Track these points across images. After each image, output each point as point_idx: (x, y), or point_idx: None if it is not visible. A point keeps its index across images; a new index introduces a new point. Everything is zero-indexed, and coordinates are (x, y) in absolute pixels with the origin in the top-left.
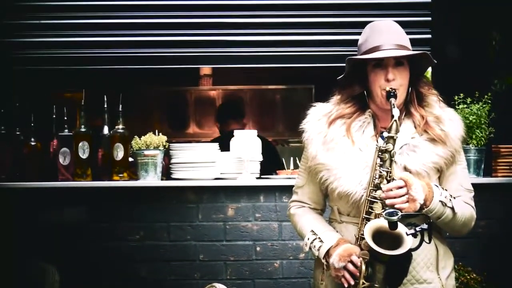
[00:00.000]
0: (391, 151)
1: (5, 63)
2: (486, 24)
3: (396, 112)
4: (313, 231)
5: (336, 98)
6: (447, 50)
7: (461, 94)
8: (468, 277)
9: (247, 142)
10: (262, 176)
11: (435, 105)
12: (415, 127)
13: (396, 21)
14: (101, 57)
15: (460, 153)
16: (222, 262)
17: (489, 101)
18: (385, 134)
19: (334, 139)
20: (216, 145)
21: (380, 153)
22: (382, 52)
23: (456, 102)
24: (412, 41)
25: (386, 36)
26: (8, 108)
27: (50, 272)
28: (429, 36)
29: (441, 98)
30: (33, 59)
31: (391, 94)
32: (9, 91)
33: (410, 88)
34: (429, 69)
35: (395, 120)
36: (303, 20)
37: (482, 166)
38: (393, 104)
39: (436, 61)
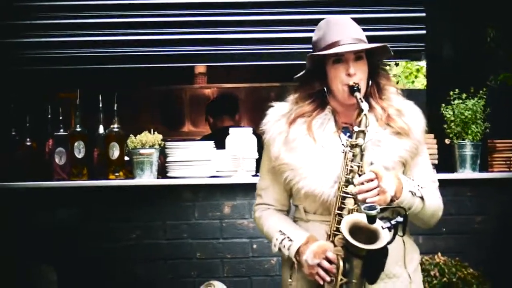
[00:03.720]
0: (361, 145)
1: (0, 63)
2: (481, 19)
3: (365, 106)
4: (281, 231)
5: (293, 97)
6: (442, 46)
7: (456, 90)
8: (465, 272)
9: (243, 140)
10: (258, 174)
11: (395, 98)
12: (377, 121)
13: (390, 17)
14: (96, 56)
15: (423, 144)
16: (219, 259)
17: (484, 96)
18: (356, 128)
19: (296, 139)
20: (211, 143)
21: (350, 148)
22: (343, 46)
23: (452, 98)
24: (407, 37)
25: (344, 31)
26: (4, 109)
27: (47, 272)
28: (423, 32)
29: (400, 91)
30: (27, 59)
31: (354, 89)
32: (5, 91)
33: (370, 81)
34: (424, 65)
35: (365, 114)
36: (298, 17)
37: (478, 161)
38: (360, 99)
39: (393, 53)
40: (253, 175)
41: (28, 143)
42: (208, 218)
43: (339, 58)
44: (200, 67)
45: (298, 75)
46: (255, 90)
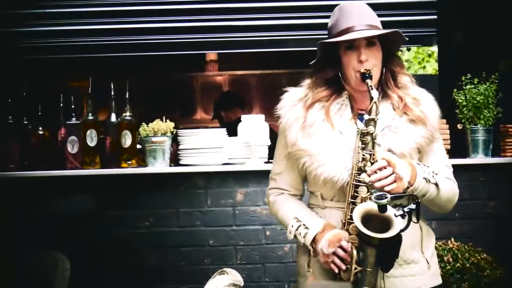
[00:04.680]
0: (372, 133)
1: (12, 52)
2: (493, 3)
3: (375, 93)
4: (297, 218)
5: (309, 81)
6: (453, 31)
7: (468, 75)
8: (479, 257)
9: (255, 127)
10: (271, 161)
11: (410, 86)
12: (394, 109)
13: (402, 3)
14: (107, 44)
15: (437, 131)
16: (232, 247)
17: (496, 81)
18: (366, 117)
19: (314, 124)
20: (223, 130)
21: (361, 136)
22: (353, 33)
23: (463, 83)
24: (418, 22)
25: (357, 17)
26: (16, 98)
27: (60, 260)
28: (435, 17)
29: (413, 79)
30: (39, 48)
31: (366, 76)
32: (17, 80)
33: (384, 69)
34: (436, 50)
35: (375, 102)
36: (308, 3)
37: (491, 146)
38: (371, 86)
39: (407, 39)
40: (265, 162)
41: (41, 132)
42: (221, 205)
43: (351, 45)
44: (211, 55)
45: (313, 61)
46: (267, 77)
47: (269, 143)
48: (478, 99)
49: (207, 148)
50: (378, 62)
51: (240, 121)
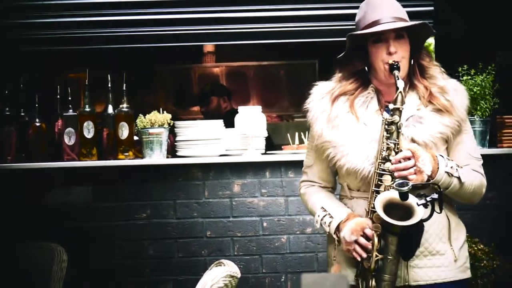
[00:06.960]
0: (397, 122)
1: (9, 44)
2: None
3: (400, 83)
4: (323, 208)
5: (337, 75)
6: (450, 22)
7: (465, 66)
8: (476, 248)
9: (252, 118)
10: (268, 152)
11: (438, 76)
12: (420, 99)
13: None
14: (104, 36)
15: (466, 122)
16: (229, 238)
17: (493, 72)
18: (391, 106)
19: (339, 116)
20: (220, 122)
21: (386, 125)
22: (382, 25)
23: (460, 74)
24: (415, 13)
25: (384, 10)
26: (13, 90)
27: (57, 252)
28: (431, 8)
29: (443, 70)
30: (36, 40)
31: (394, 67)
32: (14, 72)
33: (412, 61)
34: (432, 41)
35: (400, 92)
36: None
37: (487, 137)
38: (397, 76)
39: (435, 31)
40: (262, 153)
41: (38, 124)
42: (218, 196)
43: (380, 37)
44: (209, 46)
45: (340, 55)
46: (264, 68)
47: (266, 134)
48: (474, 90)
49: (204, 140)
50: (407, 54)
51: (219, 107)
